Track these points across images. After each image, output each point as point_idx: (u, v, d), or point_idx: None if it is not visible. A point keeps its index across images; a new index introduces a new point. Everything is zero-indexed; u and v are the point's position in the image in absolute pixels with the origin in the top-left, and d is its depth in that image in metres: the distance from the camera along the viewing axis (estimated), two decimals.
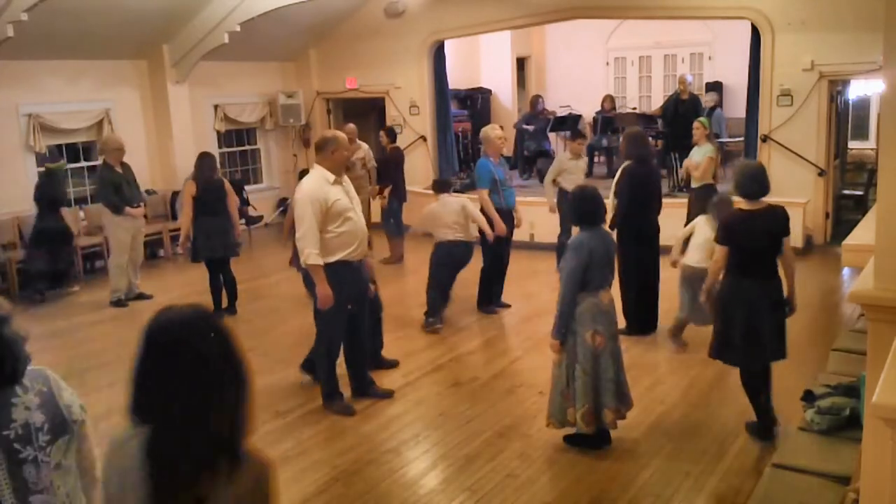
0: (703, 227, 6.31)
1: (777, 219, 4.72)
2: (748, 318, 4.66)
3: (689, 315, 6.48)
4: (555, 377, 4.76)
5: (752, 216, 4.70)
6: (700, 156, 8.43)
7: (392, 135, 10.77)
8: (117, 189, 8.53)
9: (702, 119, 8.72)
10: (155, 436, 1.78)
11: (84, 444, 2.17)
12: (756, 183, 4.71)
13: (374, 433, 5.22)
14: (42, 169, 9.73)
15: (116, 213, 8.54)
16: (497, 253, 7.72)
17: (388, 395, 5.80)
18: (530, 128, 13.36)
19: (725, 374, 6.04)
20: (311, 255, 5.11)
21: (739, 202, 4.92)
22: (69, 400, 2.11)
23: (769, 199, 4.80)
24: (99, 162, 9.40)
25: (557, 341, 4.65)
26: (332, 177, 5.21)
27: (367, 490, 4.48)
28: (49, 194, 9.04)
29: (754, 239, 4.66)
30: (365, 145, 10.49)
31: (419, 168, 12.63)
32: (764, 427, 4.89)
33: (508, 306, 7.99)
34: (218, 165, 8.65)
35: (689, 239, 6.51)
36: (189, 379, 1.78)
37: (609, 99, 13.83)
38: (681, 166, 10.83)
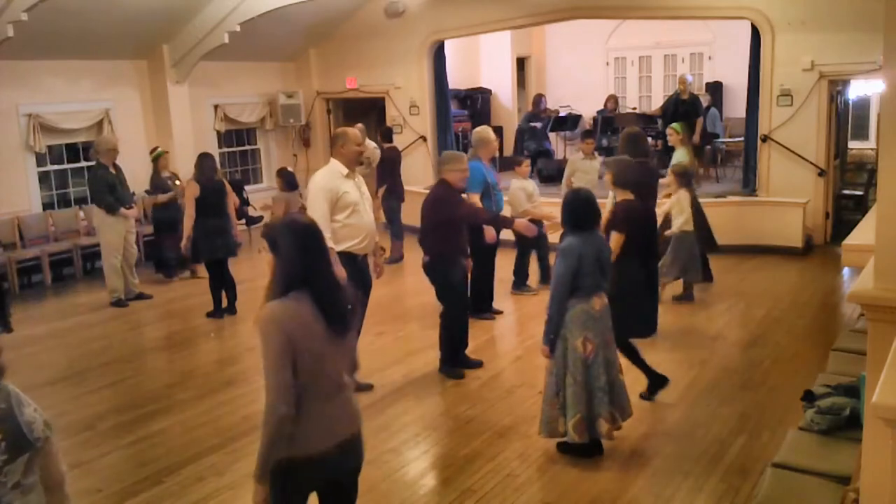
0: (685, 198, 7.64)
1: (650, 208, 5.73)
2: (653, 295, 5.68)
3: (688, 274, 7.75)
4: (547, 385, 4.69)
5: (638, 206, 5.53)
6: (675, 161, 8.50)
7: (387, 136, 10.76)
8: (112, 189, 8.53)
9: (674, 125, 8.88)
10: (319, 292, 2.79)
11: (48, 461, 2.08)
12: (636, 176, 5.64)
13: (374, 433, 5.21)
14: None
15: (111, 213, 8.53)
16: (487, 259, 7.56)
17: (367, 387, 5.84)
18: (538, 125, 13.35)
19: (725, 375, 6.05)
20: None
21: (624, 195, 5.55)
22: (30, 417, 2.01)
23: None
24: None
25: (547, 347, 4.61)
26: (345, 170, 5.39)
27: (367, 490, 4.46)
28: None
29: (648, 225, 5.63)
30: (372, 144, 10.53)
31: (419, 168, 12.63)
32: (660, 381, 5.57)
33: (500, 312, 7.83)
34: (218, 166, 8.66)
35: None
36: (325, 252, 2.92)
37: (613, 99, 13.83)
38: None
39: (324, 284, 2.82)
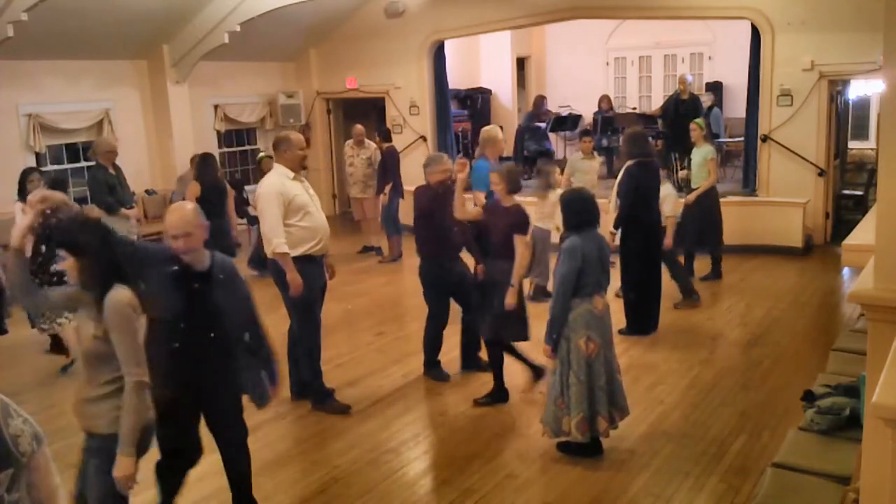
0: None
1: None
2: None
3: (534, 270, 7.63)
4: (551, 385, 4.70)
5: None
6: (699, 158, 8.47)
7: (386, 136, 10.80)
8: (111, 190, 8.52)
9: (698, 121, 8.76)
10: (129, 281, 3.15)
11: (35, 476, 1.96)
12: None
13: (374, 433, 5.22)
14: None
15: (111, 214, 8.51)
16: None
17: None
18: (542, 124, 13.33)
19: (725, 375, 6.05)
20: (280, 245, 5.21)
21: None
22: (17, 430, 1.89)
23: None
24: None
25: (549, 346, 4.61)
26: (290, 174, 5.38)
27: (367, 490, 4.48)
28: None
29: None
30: (373, 145, 10.60)
31: (419, 168, 12.56)
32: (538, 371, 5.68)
33: None
34: (218, 166, 8.64)
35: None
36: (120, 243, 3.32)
37: (606, 99, 13.82)
38: (681, 166, 10.87)
39: (130, 273, 3.18)
